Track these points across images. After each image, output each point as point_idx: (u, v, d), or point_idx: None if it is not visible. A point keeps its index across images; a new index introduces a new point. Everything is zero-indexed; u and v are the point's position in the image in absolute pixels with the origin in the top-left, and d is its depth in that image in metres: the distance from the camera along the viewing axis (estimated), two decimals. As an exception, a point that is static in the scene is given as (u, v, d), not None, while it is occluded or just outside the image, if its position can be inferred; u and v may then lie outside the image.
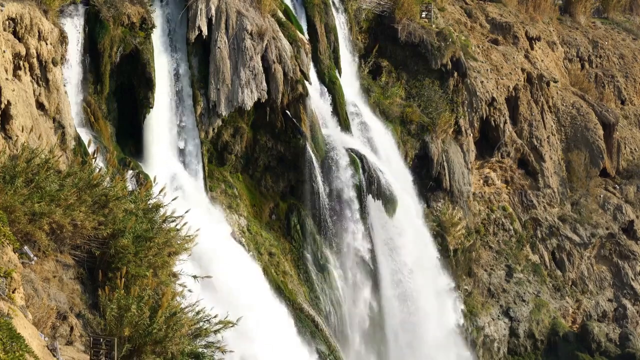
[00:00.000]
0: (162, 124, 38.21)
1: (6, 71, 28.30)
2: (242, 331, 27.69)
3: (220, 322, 21.46)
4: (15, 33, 29.74)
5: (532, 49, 62.37)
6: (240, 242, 39.39)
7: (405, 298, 45.67)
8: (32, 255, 19.70)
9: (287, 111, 41.70)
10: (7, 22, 29.33)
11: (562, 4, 71.31)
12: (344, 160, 43.08)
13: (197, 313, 21.30)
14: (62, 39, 33.34)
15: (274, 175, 42.47)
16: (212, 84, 39.31)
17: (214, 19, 39.46)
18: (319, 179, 42.10)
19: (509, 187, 57.76)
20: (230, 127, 40.71)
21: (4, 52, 28.30)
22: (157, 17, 38.50)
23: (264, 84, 40.10)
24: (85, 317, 20.60)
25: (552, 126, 60.28)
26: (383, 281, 44.89)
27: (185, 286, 23.17)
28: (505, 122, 56.34)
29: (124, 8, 36.14)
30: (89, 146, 29.91)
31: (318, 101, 44.28)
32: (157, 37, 38.30)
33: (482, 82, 55.11)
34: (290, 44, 41.66)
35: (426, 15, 54.50)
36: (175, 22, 39.24)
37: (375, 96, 49.80)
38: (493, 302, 53.53)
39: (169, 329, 19.76)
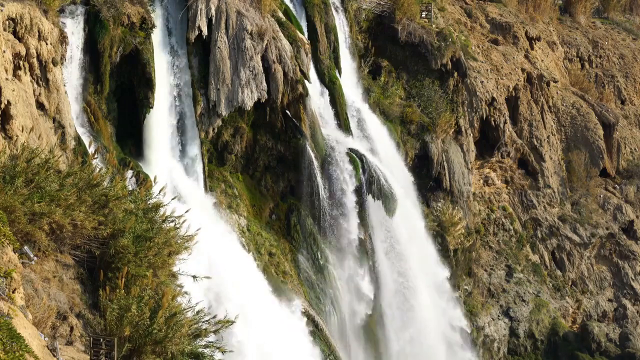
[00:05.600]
0: (162, 124, 38.21)
1: (6, 71, 28.31)
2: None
3: (219, 321, 21.46)
4: (15, 33, 29.75)
5: (532, 49, 62.38)
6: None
7: (405, 297, 45.67)
8: (32, 255, 19.69)
9: (287, 111, 41.70)
10: (7, 22, 29.33)
11: (562, 4, 71.32)
12: (344, 160, 43.07)
13: (197, 313, 21.29)
14: (62, 39, 33.34)
15: (274, 175, 42.47)
16: (212, 84, 39.32)
17: (214, 19, 39.46)
18: (319, 179, 42.10)
19: (509, 187, 57.76)
20: (230, 127, 40.71)
21: (4, 52, 28.30)
22: (157, 17, 38.49)
23: (264, 84, 40.10)
24: (85, 317, 20.59)
25: (552, 126, 60.29)
26: (383, 280, 44.88)
27: (181, 286, 23.16)
28: (505, 122, 56.34)
29: (124, 8, 36.13)
30: (89, 146, 29.92)
31: (318, 101, 44.29)
32: (157, 37, 38.29)
33: (482, 82, 55.12)
34: (290, 44, 41.66)
35: (426, 15, 54.50)
36: (175, 22, 39.24)
37: (375, 96, 49.80)
38: (493, 302, 53.54)
39: (169, 329, 19.76)
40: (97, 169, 23.45)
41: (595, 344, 55.00)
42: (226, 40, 39.64)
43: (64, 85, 32.87)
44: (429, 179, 50.25)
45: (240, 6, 40.34)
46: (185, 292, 23.07)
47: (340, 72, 46.80)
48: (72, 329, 19.70)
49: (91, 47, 35.58)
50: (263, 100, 40.38)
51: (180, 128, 39.09)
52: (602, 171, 62.14)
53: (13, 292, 16.77)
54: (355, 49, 50.39)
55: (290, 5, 45.15)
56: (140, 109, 37.28)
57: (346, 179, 42.91)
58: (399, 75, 51.95)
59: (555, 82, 62.30)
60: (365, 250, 43.89)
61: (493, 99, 55.45)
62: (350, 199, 42.96)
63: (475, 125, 54.96)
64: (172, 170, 37.73)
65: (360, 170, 43.43)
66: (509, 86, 57.23)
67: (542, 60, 62.50)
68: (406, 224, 46.08)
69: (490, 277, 54.12)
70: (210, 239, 32.69)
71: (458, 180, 51.44)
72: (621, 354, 55.29)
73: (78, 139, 32.71)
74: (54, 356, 17.20)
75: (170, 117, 38.80)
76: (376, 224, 44.41)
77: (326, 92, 45.44)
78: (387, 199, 44.23)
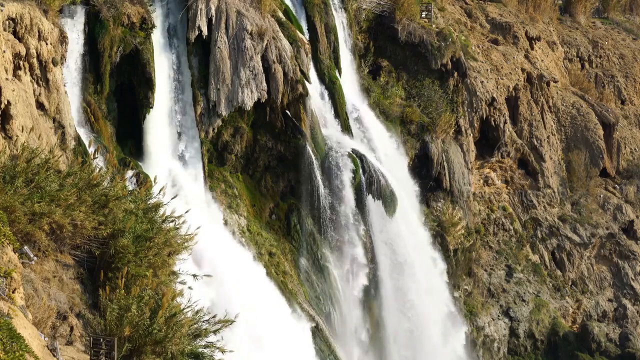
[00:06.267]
0: (162, 123, 38.22)
1: (6, 71, 28.32)
2: None
3: (219, 321, 21.46)
4: (15, 33, 29.75)
5: (532, 49, 62.36)
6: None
7: (405, 296, 45.69)
8: (32, 255, 19.68)
9: (287, 111, 41.70)
10: (7, 22, 29.34)
11: (562, 4, 71.28)
12: (343, 160, 43.07)
13: (197, 313, 21.28)
14: (62, 39, 33.34)
15: (274, 175, 42.47)
16: (212, 84, 39.32)
17: (214, 19, 39.47)
18: (319, 179, 42.10)
19: (509, 187, 57.75)
20: (230, 127, 40.72)
21: (4, 52, 28.31)
22: (157, 17, 38.50)
23: (264, 84, 40.11)
24: (85, 317, 20.58)
25: (552, 126, 60.28)
26: (382, 280, 44.89)
27: (184, 283, 23.15)
28: (505, 122, 56.33)
29: (124, 8, 36.14)
30: (89, 146, 29.91)
31: (318, 101, 44.28)
32: (157, 37, 38.30)
33: (482, 82, 55.11)
34: (290, 44, 41.66)
35: (426, 15, 54.48)
36: (175, 22, 39.25)
37: (375, 96, 49.79)
38: (493, 302, 53.53)
39: (169, 329, 19.75)
40: (97, 169, 23.46)
41: (595, 344, 54.99)
42: (226, 40, 39.64)
43: (64, 85, 32.87)
44: (429, 179, 50.24)
45: (240, 6, 40.34)
46: (190, 288, 23.04)
47: (340, 72, 46.79)
48: (72, 329, 19.70)
49: (91, 47, 35.58)
50: (263, 100, 40.37)
51: (180, 128, 39.10)
52: (602, 171, 62.11)
53: (13, 292, 16.77)
54: (355, 49, 50.38)
55: (290, 5, 45.14)
56: (140, 109, 37.29)
57: (346, 179, 42.90)
58: (399, 75, 51.93)
59: (555, 82, 62.28)
60: (365, 250, 43.86)
61: (493, 99, 55.44)
62: (350, 199, 42.96)
63: (475, 125, 54.95)
64: (172, 170, 37.73)
65: (360, 170, 43.43)
66: (509, 86, 57.21)
67: (542, 60, 62.49)
68: (406, 224, 46.07)
69: (490, 277, 54.12)
70: (210, 238, 32.69)
71: (458, 180, 51.44)
72: (621, 354, 55.28)
73: (78, 139, 32.71)
74: (54, 356, 17.20)
75: (170, 117, 38.79)
76: (376, 224, 44.39)
77: (326, 92, 45.44)
78: (387, 199, 44.24)
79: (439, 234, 49.74)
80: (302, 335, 38.11)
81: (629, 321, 57.67)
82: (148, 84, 36.99)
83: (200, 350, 21.00)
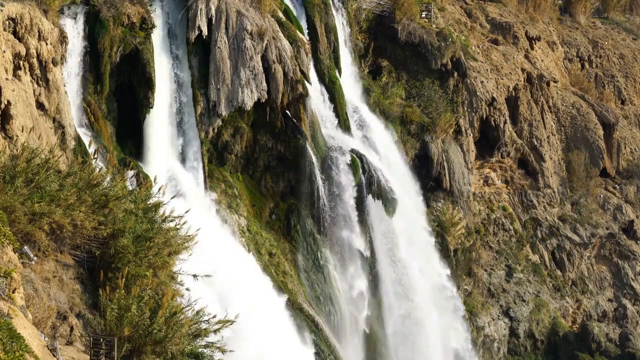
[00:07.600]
0: (162, 124, 38.22)
1: (6, 71, 28.31)
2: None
3: (219, 321, 21.45)
4: (15, 33, 29.74)
5: (532, 49, 62.37)
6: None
7: (405, 297, 45.69)
8: (32, 255, 19.68)
9: (287, 111, 41.71)
10: (7, 22, 29.33)
11: (562, 4, 71.30)
12: (344, 160, 43.07)
13: (197, 313, 21.27)
14: (62, 39, 33.34)
15: (274, 175, 42.47)
16: (212, 84, 39.32)
17: (214, 19, 39.47)
18: (319, 179, 42.10)
19: (509, 187, 57.76)
20: (230, 127, 40.73)
21: (4, 52, 28.31)
22: (157, 17, 38.49)
23: (264, 84, 40.11)
24: (85, 317, 20.58)
25: (552, 126, 60.29)
26: (383, 280, 44.90)
27: (182, 284, 23.15)
28: (505, 122, 56.34)
29: (124, 8, 36.13)
30: (89, 146, 29.90)
31: (318, 101, 44.29)
32: (157, 37, 38.30)
33: (482, 82, 55.11)
34: (290, 44, 41.66)
35: (426, 15, 54.49)
36: (175, 22, 39.24)
37: (375, 96, 49.79)
38: (493, 302, 53.53)
39: (169, 329, 19.75)
40: (97, 169, 23.46)
41: (595, 344, 55.00)
42: (226, 40, 39.64)
43: (64, 85, 32.86)
44: (429, 179, 50.24)
45: (240, 6, 40.35)
46: (187, 289, 23.04)
47: (340, 72, 46.79)
48: (72, 329, 19.70)
49: (91, 47, 35.57)
50: (263, 100, 40.38)
51: (180, 128, 39.10)
52: (602, 171, 62.14)
53: (13, 292, 16.77)
54: (355, 49, 50.37)
55: (290, 5, 45.15)
56: (140, 109, 37.29)
57: (346, 178, 42.90)
58: (399, 75, 51.94)
59: (555, 82, 62.29)
60: (365, 250, 43.86)
61: (493, 99, 55.44)
62: (350, 199, 42.95)
63: (475, 125, 54.96)
64: (172, 170, 37.73)
65: (360, 170, 43.43)
66: (509, 86, 57.22)
67: (542, 60, 62.49)
68: (406, 224, 46.07)
69: (490, 277, 54.12)
70: (211, 238, 32.67)
71: (458, 180, 51.44)
72: (621, 354, 55.29)
73: (78, 139, 32.71)
74: (54, 356, 17.20)
75: (170, 117, 38.80)
76: (376, 224, 44.41)
77: (326, 92, 45.44)
78: (387, 199, 44.24)
79: (439, 234, 49.75)
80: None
81: (629, 321, 57.68)
82: (148, 84, 36.98)
83: (200, 350, 20.99)
